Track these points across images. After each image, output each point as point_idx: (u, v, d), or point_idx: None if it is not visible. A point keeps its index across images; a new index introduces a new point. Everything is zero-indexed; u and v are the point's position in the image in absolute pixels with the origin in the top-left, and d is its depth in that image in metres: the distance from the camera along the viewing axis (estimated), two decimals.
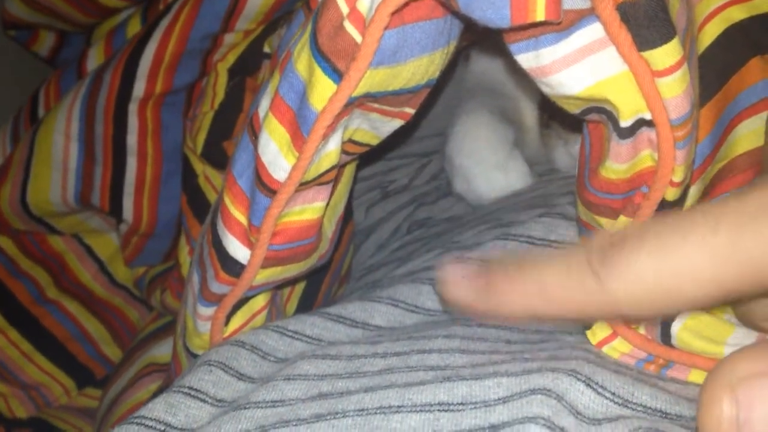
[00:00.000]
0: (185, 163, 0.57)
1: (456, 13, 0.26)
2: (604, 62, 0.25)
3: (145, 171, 0.59)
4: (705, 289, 0.21)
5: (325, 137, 0.29)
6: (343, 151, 0.31)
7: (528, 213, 0.39)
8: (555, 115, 0.48)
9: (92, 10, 0.68)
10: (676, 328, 0.27)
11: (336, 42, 0.27)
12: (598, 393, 0.25)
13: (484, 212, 0.45)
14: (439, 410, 0.25)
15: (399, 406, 0.25)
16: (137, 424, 0.28)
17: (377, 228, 0.53)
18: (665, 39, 0.24)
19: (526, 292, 0.24)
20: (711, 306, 0.23)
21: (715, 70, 0.30)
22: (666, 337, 0.27)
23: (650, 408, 0.25)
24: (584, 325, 0.29)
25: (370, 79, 0.27)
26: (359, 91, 0.27)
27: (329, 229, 0.36)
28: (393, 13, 0.25)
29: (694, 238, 0.21)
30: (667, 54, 0.24)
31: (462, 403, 0.25)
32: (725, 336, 0.26)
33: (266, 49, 0.57)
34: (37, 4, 0.66)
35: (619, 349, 0.28)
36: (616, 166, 0.27)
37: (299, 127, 0.29)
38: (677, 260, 0.21)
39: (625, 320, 0.27)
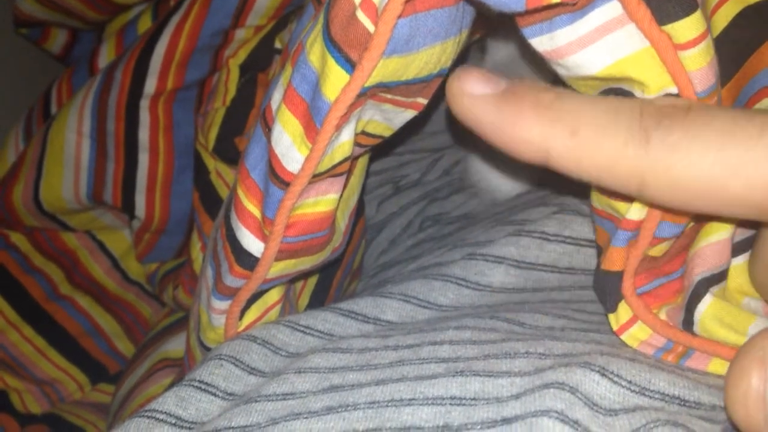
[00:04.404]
0: (197, 159, 0.57)
1: (469, 0, 0.26)
2: (623, 40, 0.25)
3: (157, 167, 0.59)
4: (752, 196, 0.19)
5: (338, 128, 0.29)
6: (356, 143, 0.31)
7: (541, 211, 0.39)
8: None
9: (103, 7, 0.68)
10: (699, 314, 0.26)
11: (348, 32, 0.26)
12: (614, 382, 0.25)
13: (496, 211, 0.45)
14: (451, 404, 0.25)
15: (410, 399, 0.25)
16: (148, 417, 0.28)
17: (389, 223, 0.53)
18: (687, 12, 0.24)
19: (553, 127, 0.21)
20: (739, 219, 0.21)
21: (732, 51, 0.30)
22: (688, 324, 0.27)
23: (668, 395, 0.24)
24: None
25: (383, 69, 0.27)
26: (372, 80, 0.27)
27: (342, 222, 0.36)
28: (406, 2, 0.25)
29: None
30: (689, 27, 0.24)
31: (474, 398, 0.25)
32: (747, 325, 0.26)
33: (277, 44, 0.57)
34: (49, 1, 0.67)
35: (637, 336, 0.28)
36: None
37: (312, 118, 0.28)
38: (743, 153, 0.19)
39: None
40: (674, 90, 0.25)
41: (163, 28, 0.59)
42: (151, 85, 0.58)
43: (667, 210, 0.25)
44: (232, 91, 0.56)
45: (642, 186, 0.21)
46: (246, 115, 0.54)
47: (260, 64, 0.57)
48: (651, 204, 0.25)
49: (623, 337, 0.28)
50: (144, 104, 0.58)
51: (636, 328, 0.28)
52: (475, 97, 0.22)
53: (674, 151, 0.20)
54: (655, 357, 0.27)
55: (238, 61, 0.57)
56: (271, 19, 0.58)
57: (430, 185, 0.54)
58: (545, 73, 0.47)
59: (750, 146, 0.19)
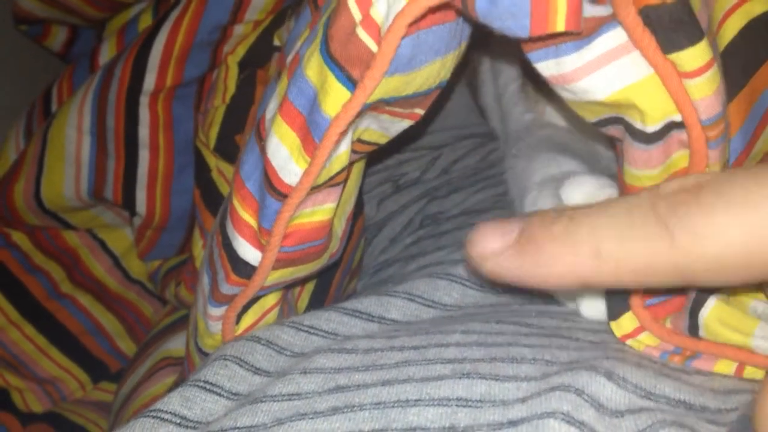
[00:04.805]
0: (198, 156, 0.57)
1: (474, 21, 0.26)
2: (628, 67, 0.25)
3: (158, 164, 0.59)
4: None
5: (337, 143, 0.29)
6: (352, 150, 0.31)
7: None
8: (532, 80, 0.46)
9: (103, 4, 0.68)
10: (703, 318, 0.26)
11: (349, 49, 0.26)
12: (620, 386, 0.25)
13: (497, 213, 0.45)
14: (456, 405, 0.25)
15: (416, 400, 0.25)
16: (153, 417, 0.28)
17: (389, 222, 0.53)
18: (693, 41, 0.24)
19: (578, 254, 0.21)
20: None
21: (739, 64, 0.30)
22: (694, 329, 0.27)
23: (673, 400, 0.25)
24: (616, 313, 0.28)
25: (384, 87, 0.27)
26: (373, 98, 0.27)
27: (339, 228, 0.36)
28: (410, 25, 0.25)
29: None
30: (695, 56, 0.24)
31: (480, 401, 0.25)
32: (752, 327, 0.26)
33: (276, 41, 0.56)
34: None
35: (644, 341, 0.28)
36: (649, 172, 0.27)
37: (310, 132, 0.28)
38: (761, 216, 0.19)
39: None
40: (678, 118, 0.25)
41: (161, 24, 0.58)
42: (150, 82, 0.58)
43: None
44: (232, 89, 0.56)
45: (684, 276, 0.21)
46: (246, 112, 0.54)
47: (259, 61, 0.56)
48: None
49: (629, 342, 0.28)
50: (143, 101, 0.58)
51: (644, 335, 0.28)
52: (497, 255, 0.23)
53: (699, 236, 0.20)
54: (661, 359, 0.28)
55: (237, 58, 0.57)
56: (269, 14, 0.58)
57: (429, 183, 0.54)
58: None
59: (766, 208, 0.19)
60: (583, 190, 0.32)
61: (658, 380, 0.25)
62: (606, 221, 0.21)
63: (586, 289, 0.25)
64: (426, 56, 0.27)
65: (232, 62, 0.57)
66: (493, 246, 0.23)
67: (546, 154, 0.39)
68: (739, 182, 0.20)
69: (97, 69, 0.63)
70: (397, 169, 0.56)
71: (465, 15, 0.25)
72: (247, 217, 0.32)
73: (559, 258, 0.21)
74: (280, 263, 0.32)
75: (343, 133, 0.28)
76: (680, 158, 0.26)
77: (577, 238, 0.21)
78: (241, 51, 0.57)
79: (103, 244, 0.65)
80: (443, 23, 0.26)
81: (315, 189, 0.30)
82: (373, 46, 0.26)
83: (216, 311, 0.34)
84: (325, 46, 0.27)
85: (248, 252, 0.32)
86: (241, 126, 0.54)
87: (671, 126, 0.26)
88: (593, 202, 0.27)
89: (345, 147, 0.30)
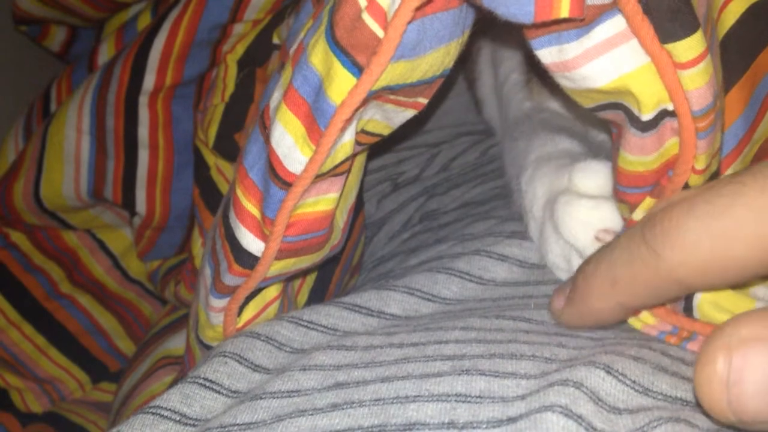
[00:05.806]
0: (197, 155, 0.57)
1: (478, 7, 0.26)
2: (626, 55, 0.26)
3: (157, 163, 0.59)
4: (755, 251, 0.21)
5: (342, 130, 0.29)
6: (356, 142, 0.31)
7: None
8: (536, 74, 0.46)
9: (103, 4, 0.68)
10: (697, 300, 0.27)
11: (354, 35, 0.26)
12: (619, 380, 0.25)
13: (496, 204, 0.45)
14: (456, 401, 0.25)
15: (416, 396, 0.25)
16: (152, 413, 0.28)
17: (389, 220, 0.53)
18: (688, 32, 0.24)
19: (602, 286, 0.26)
20: (765, 273, 0.22)
21: (740, 50, 0.30)
22: (688, 311, 0.27)
23: (671, 397, 0.25)
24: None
25: (390, 73, 0.27)
26: (379, 84, 0.27)
27: (341, 220, 0.36)
28: (417, 8, 0.25)
29: (743, 200, 0.21)
30: (690, 46, 0.24)
31: (480, 397, 0.25)
32: (747, 309, 0.26)
33: (275, 39, 0.56)
34: None
35: (643, 320, 0.28)
36: (643, 158, 0.28)
37: (315, 120, 0.28)
38: (726, 222, 0.21)
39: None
40: (670, 106, 0.26)
41: (161, 23, 0.59)
42: (149, 81, 0.58)
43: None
44: (231, 87, 0.56)
45: (679, 284, 0.24)
46: (245, 110, 0.54)
47: (258, 60, 0.56)
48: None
49: (630, 320, 0.28)
50: (143, 101, 0.58)
51: (642, 314, 0.28)
52: (562, 311, 0.29)
53: (676, 247, 0.23)
54: (659, 338, 0.28)
55: (236, 57, 0.57)
56: (268, 13, 0.58)
57: (428, 181, 0.54)
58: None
59: (728, 215, 0.22)
60: (597, 178, 0.33)
61: (656, 377, 0.25)
62: (617, 254, 0.25)
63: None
64: (431, 43, 0.27)
65: (231, 61, 0.57)
66: (559, 304, 0.29)
67: (544, 134, 0.39)
68: (704, 196, 0.22)
69: (96, 69, 0.63)
70: (396, 167, 0.56)
71: (469, 1, 0.25)
72: (251, 207, 0.32)
73: (592, 293, 0.26)
74: (282, 254, 0.32)
75: (348, 121, 0.28)
76: (673, 145, 0.27)
77: (600, 273, 0.26)
78: (240, 50, 0.57)
79: (102, 245, 0.65)
80: (448, 10, 0.27)
81: (319, 178, 0.30)
82: (379, 32, 0.26)
83: (218, 302, 0.34)
84: (331, 32, 0.27)
85: (251, 242, 0.32)
86: (240, 124, 0.54)
87: (664, 114, 0.26)
88: (605, 192, 0.33)
89: (350, 136, 0.30)
